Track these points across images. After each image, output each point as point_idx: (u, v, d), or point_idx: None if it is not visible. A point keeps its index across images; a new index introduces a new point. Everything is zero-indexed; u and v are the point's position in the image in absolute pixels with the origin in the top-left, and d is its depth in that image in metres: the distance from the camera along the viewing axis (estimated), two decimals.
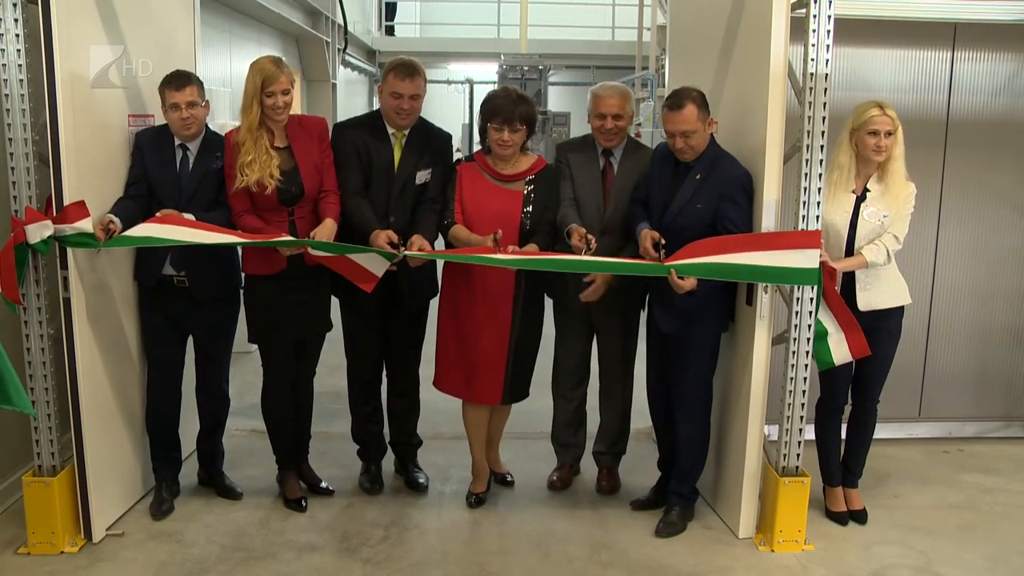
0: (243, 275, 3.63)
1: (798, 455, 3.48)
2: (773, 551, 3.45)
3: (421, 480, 4.01)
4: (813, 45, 3.21)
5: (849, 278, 3.49)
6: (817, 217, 3.31)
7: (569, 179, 3.72)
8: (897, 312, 3.59)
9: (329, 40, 10.81)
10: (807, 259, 3.23)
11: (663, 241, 3.28)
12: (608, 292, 3.62)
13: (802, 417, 3.46)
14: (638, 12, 12.85)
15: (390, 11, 16.53)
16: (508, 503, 3.89)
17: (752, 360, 3.40)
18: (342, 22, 11.42)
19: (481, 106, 3.64)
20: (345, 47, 11.74)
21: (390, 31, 16.52)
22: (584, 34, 15.09)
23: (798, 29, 3.27)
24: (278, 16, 8.68)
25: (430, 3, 17.71)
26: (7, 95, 3.13)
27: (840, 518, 3.72)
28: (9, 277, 3.12)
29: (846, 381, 3.65)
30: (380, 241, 3.42)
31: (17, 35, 3.10)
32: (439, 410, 4.23)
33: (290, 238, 3.37)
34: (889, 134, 3.40)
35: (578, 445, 4.08)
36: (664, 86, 5.36)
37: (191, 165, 3.52)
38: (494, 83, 12.91)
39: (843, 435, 3.78)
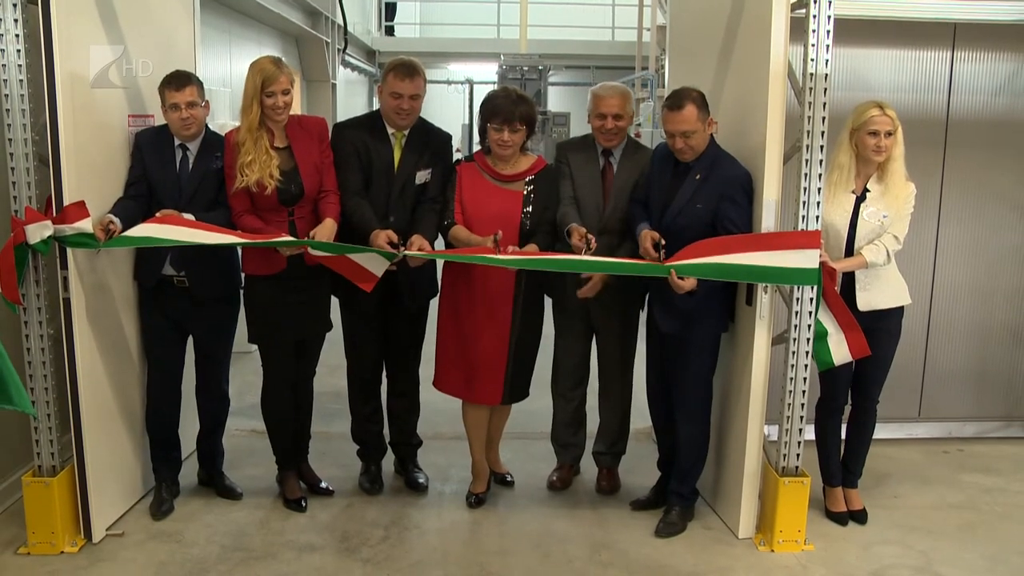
0: (243, 275, 3.63)
1: (798, 455, 3.48)
2: (773, 551, 3.45)
3: (421, 480, 4.01)
4: (813, 45, 3.21)
5: (849, 278, 3.49)
6: (817, 217, 3.31)
7: (569, 178, 3.72)
8: (897, 312, 3.59)
9: (329, 40, 10.81)
10: (807, 259, 3.23)
11: (663, 241, 3.28)
12: (606, 291, 3.62)
13: (802, 417, 3.46)
14: (638, 12, 12.85)
15: (390, 11, 16.53)
16: (508, 503, 3.89)
17: (752, 360, 3.40)
18: (342, 22, 11.42)
19: (481, 106, 3.64)
20: (345, 47, 11.74)
21: (390, 31, 16.52)
22: (584, 34, 15.09)
23: (798, 29, 3.27)
24: (278, 16, 8.68)
25: (430, 3, 17.70)
26: (7, 95, 3.13)
27: (840, 518, 3.72)
28: (9, 277, 3.12)
29: (846, 381, 3.65)
30: (380, 241, 3.42)
31: (17, 35, 3.10)
32: (439, 410, 4.23)
33: (290, 238, 3.37)
34: (889, 134, 3.41)
35: (578, 445, 4.08)
36: (664, 86, 5.36)
37: (191, 165, 3.52)
38: (494, 83, 12.91)
39: (843, 435, 3.78)
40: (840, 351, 3.41)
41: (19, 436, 3.49)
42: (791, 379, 3.41)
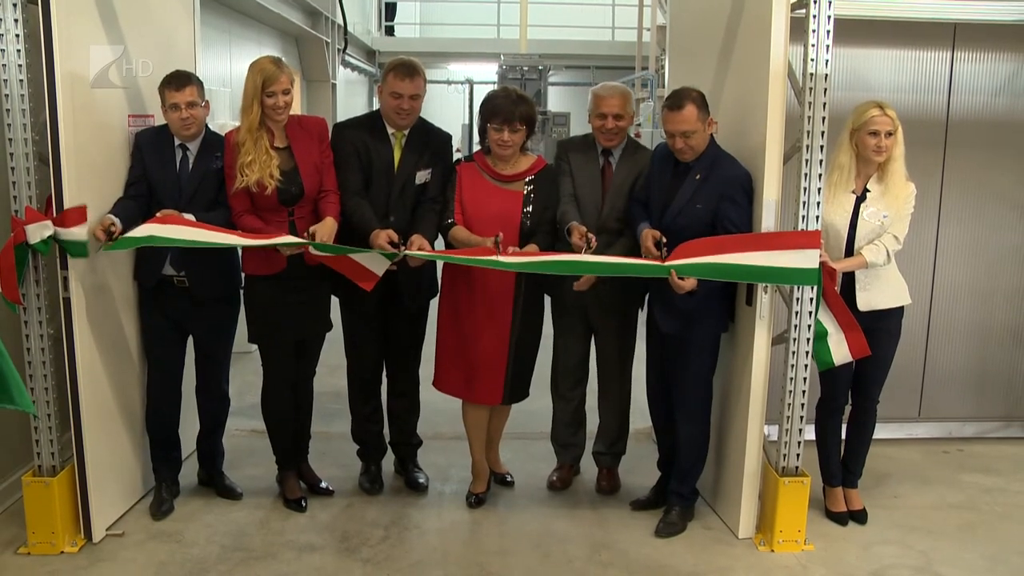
0: (243, 275, 3.63)
1: (798, 455, 3.48)
2: (773, 551, 3.45)
3: (421, 480, 4.01)
4: (813, 45, 3.21)
5: (849, 278, 3.49)
6: (817, 217, 3.31)
7: (569, 175, 3.72)
8: (897, 312, 3.59)
9: (329, 40, 10.82)
10: (807, 259, 3.23)
11: (664, 240, 3.28)
12: (605, 291, 3.62)
13: (802, 417, 3.46)
14: (638, 12, 12.85)
15: (390, 11, 16.53)
16: (508, 503, 3.89)
17: (752, 360, 3.40)
18: (342, 22, 11.43)
19: (481, 106, 3.64)
20: (345, 47, 11.74)
21: (390, 31, 16.52)
22: (584, 34, 15.10)
23: (798, 29, 3.27)
24: (278, 16, 8.69)
25: (430, 3, 17.71)
26: (7, 95, 3.13)
27: (840, 518, 3.72)
28: (9, 277, 3.12)
29: (846, 381, 3.65)
30: (380, 241, 3.42)
31: (17, 35, 3.10)
32: (439, 410, 4.23)
33: (291, 238, 3.37)
34: (889, 134, 3.41)
35: (578, 445, 4.08)
36: (664, 86, 5.37)
37: (191, 165, 3.52)
38: (494, 83, 12.91)
39: (843, 435, 3.78)
40: (840, 351, 3.41)
41: (19, 436, 3.49)
42: (791, 379, 3.41)
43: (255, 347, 3.72)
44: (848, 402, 3.73)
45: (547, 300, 3.83)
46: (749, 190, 3.36)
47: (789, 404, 3.44)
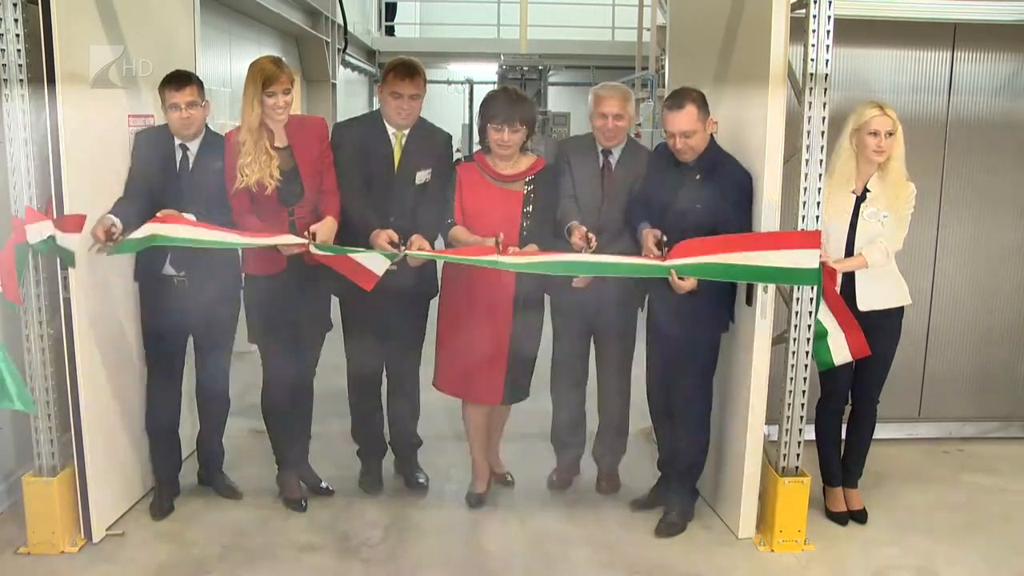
0: (243, 275, 3.63)
1: (798, 455, 3.48)
2: (773, 551, 3.45)
3: (421, 480, 4.01)
4: (813, 45, 3.21)
5: (849, 278, 3.50)
6: (817, 217, 3.31)
7: (569, 175, 3.73)
8: (897, 312, 3.59)
9: (329, 40, 10.81)
10: (807, 259, 3.23)
11: (665, 239, 3.28)
12: (603, 287, 3.63)
13: (802, 417, 3.47)
14: (638, 12, 12.84)
15: (390, 11, 16.53)
16: (508, 503, 3.89)
17: (752, 360, 3.40)
18: (342, 22, 11.42)
19: (481, 106, 3.64)
20: (345, 47, 11.74)
21: (390, 31, 16.52)
22: (584, 34, 15.09)
23: (798, 29, 3.27)
24: (278, 16, 8.69)
25: (430, 3, 17.70)
26: (7, 95, 3.13)
27: (840, 518, 3.72)
28: (9, 277, 3.12)
29: (846, 381, 3.65)
30: (381, 240, 3.42)
31: (17, 35, 3.10)
32: (439, 410, 4.24)
33: (292, 238, 3.36)
34: (889, 134, 3.41)
35: (578, 445, 4.08)
36: (664, 86, 5.36)
37: (191, 165, 3.52)
38: (494, 83, 12.91)
39: (843, 435, 3.78)
40: (840, 351, 3.41)
41: (19, 436, 3.49)
42: (791, 379, 3.42)
43: (255, 347, 3.71)
44: (848, 402, 3.73)
45: (547, 300, 3.84)
46: (749, 190, 3.36)
47: (789, 404, 3.44)
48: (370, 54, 14.65)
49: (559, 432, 4.06)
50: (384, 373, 3.99)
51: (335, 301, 3.79)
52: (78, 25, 3.25)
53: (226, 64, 7.71)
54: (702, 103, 3.35)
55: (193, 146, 3.52)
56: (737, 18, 3.56)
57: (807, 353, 3.39)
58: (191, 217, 3.39)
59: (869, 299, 3.50)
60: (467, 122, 14.17)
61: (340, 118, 5.36)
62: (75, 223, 3.16)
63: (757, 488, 3.53)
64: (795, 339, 3.37)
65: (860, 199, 3.49)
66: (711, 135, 3.41)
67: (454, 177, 3.64)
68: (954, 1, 4.12)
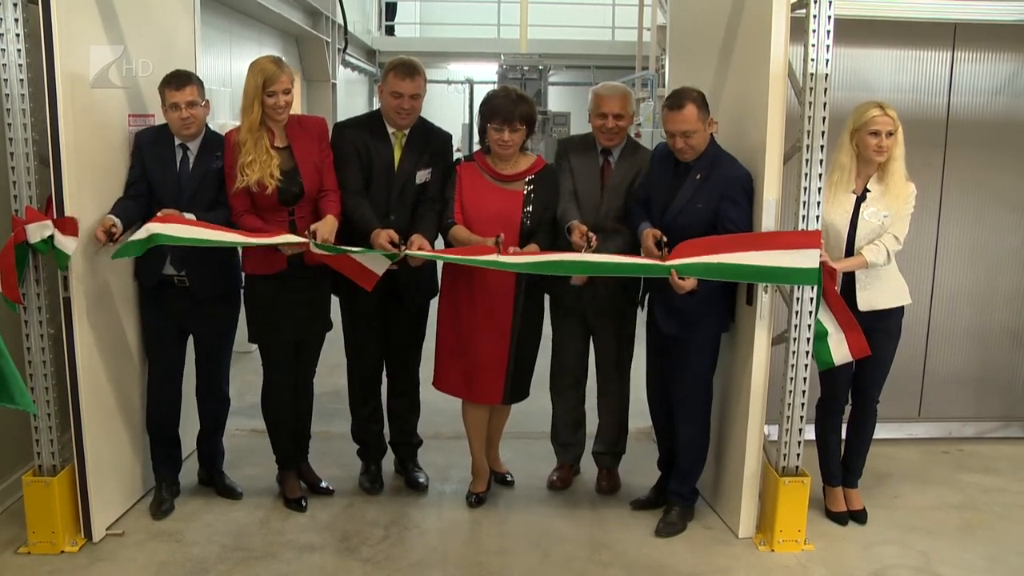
0: (243, 275, 3.63)
1: (798, 455, 3.48)
2: (773, 551, 3.45)
3: (421, 480, 4.01)
4: (813, 45, 3.21)
5: (849, 278, 3.50)
6: (817, 217, 3.31)
7: (569, 173, 3.73)
8: (897, 312, 3.59)
9: (329, 40, 10.82)
10: (807, 259, 3.23)
11: (665, 239, 3.28)
12: (601, 287, 3.65)
13: (802, 417, 3.46)
14: (638, 12, 12.85)
15: (390, 11, 16.54)
16: (508, 503, 3.89)
17: (752, 360, 3.40)
18: (342, 22, 11.43)
19: (481, 106, 3.64)
20: (345, 47, 11.75)
21: (390, 31, 16.53)
22: (584, 34, 15.10)
23: (798, 29, 3.27)
24: (278, 16, 8.69)
25: (430, 3, 17.71)
26: (7, 95, 3.13)
27: (840, 518, 3.72)
28: (9, 276, 3.12)
29: (846, 381, 3.65)
30: (381, 240, 3.42)
31: (17, 35, 3.09)
32: (439, 410, 4.23)
33: (292, 237, 3.36)
34: (890, 134, 3.41)
35: (578, 445, 4.08)
36: (664, 86, 5.37)
37: (191, 165, 3.52)
38: (494, 83, 12.91)
39: (843, 435, 3.78)
40: (840, 351, 3.41)
41: (19, 435, 3.49)
42: (791, 379, 3.41)
43: (255, 347, 3.72)
44: (848, 402, 3.73)
45: (546, 299, 3.84)
46: (749, 190, 3.36)
47: (789, 404, 3.44)
48: (370, 54, 14.65)
49: (559, 432, 4.06)
50: (384, 373, 3.99)
51: (335, 301, 3.79)
52: (78, 25, 3.25)
53: (226, 64, 7.71)
54: (702, 103, 3.35)
55: (193, 146, 3.52)
56: (737, 18, 3.56)
57: (807, 353, 3.39)
58: (191, 217, 3.39)
59: (869, 299, 3.50)
60: (467, 122, 14.17)
61: (340, 118, 5.35)
62: (69, 226, 3.16)
63: (757, 488, 3.53)
64: (795, 339, 3.37)
65: (860, 199, 3.49)
66: (711, 135, 3.41)
67: (454, 177, 3.64)
68: (954, 1, 4.12)
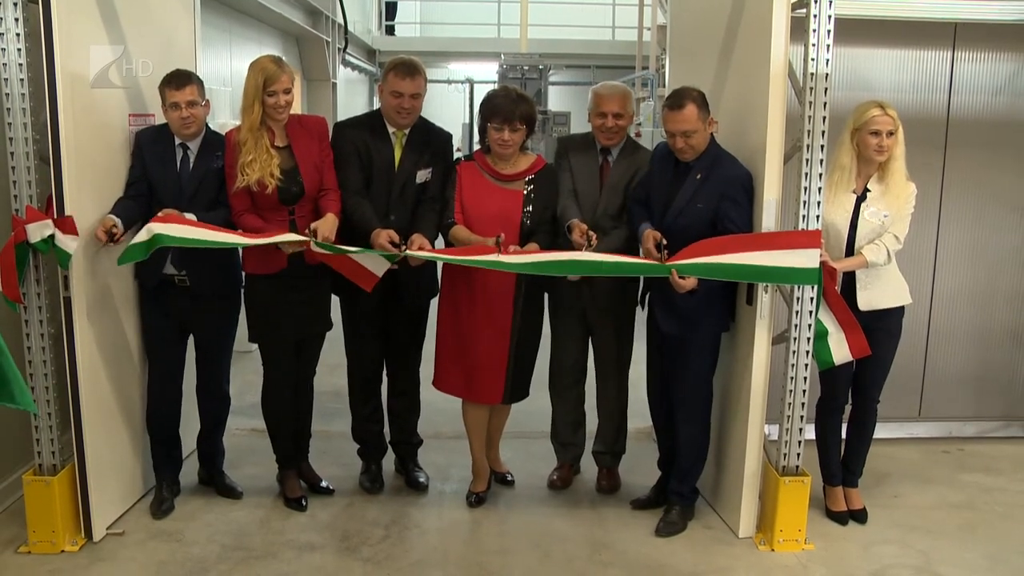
0: (243, 274, 3.63)
1: (798, 455, 3.48)
2: (773, 550, 3.45)
3: (421, 479, 4.01)
4: (813, 45, 3.21)
5: (849, 278, 3.50)
6: (817, 217, 3.31)
7: (568, 171, 3.73)
8: (897, 312, 3.59)
9: (329, 40, 10.82)
10: (807, 259, 3.23)
11: (665, 241, 3.28)
12: (599, 287, 3.66)
13: (802, 417, 3.46)
14: (638, 12, 12.85)
15: (390, 11, 16.53)
16: (508, 502, 3.89)
17: (752, 360, 3.40)
18: (342, 22, 11.43)
19: (481, 105, 3.64)
20: (345, 47, 11.74)
21: (390, 31, 16.53)
22: (584, 34, 15.10)
23: (798, 29, 3.27)
24: (278, 16, 8.69)
25: (430, 3, 17.71)
26: (8, 94, 3.13)
27: (840, 518, 3.72)
28: (10, 276, 3.12)
29: (846, 381, 3.65)
30: (381, 240, 3.42)
31: (18, 34, 3.10)
32: (439, 409, 4.23)
33: (293, 236, 3.36)
34: (890, 134, 3.41)
35: (578, 444, 4.08)
36: (664, 86, 5.37)
37: (191, 164, 3.52)
38: (494, 83, 12.91)
39: (843, 435, 3.78)
40: (840, 350, 3.41)
41: (19, 435, 3.49)
42: (791, 378, 3.41)
43: (255, 346, 3.72)
44: (848, 401, 3.73)
45: (546, 298, 3.84)
46: (750, 189, 3.36)
47: (789, 403, 3.44)
48: (370, 53, 14.66)
49: (559, 431, 4.06)
50: (384, 372, 3.99)
51: (335, 300, 3.79)
52: (78, 25, 3.25)
53: (226, 63, 7.71)
54: (703, 102, 3.35)
55: (193, 145, 3.52)
56: (738, 17, 3.56)
57: (807, 353, 3.39)
58: (192, 217, 3.39)
59: (870, 299, 3.50)
60: (467, 121, 14.17)
61: (340, 117, 5.36)
62: (70, 225, 3.16)
63: (757, 487, 3.53)
64: (795, 339, 3.37)
65: (861, 198, 3.49)
66: (712, 134, 3.40)
67: (454, 176, 3.64)
68: (955, 1, 4.11)
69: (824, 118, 3.26)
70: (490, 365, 3.63)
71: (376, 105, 3.86)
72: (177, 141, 3.51)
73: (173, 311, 3.61)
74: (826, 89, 3.23)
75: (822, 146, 3.27)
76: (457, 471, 4.12)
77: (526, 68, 12.82)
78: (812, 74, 3.22)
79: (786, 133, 3.31)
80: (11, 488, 3.65)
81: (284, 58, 3.59)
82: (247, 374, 4.93)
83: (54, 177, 3.16)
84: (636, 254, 3.52)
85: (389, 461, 4.10)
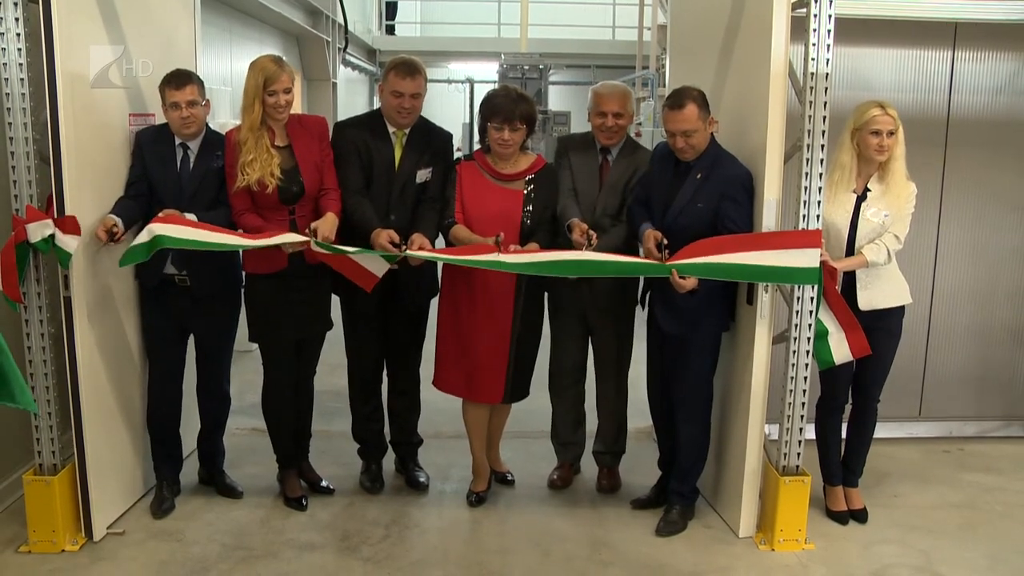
0: (244, 274, 3.63)
1: (798, 454, 3.48)
2: (773, 550, 3.45)
3: (422, 479, 4.01)
4: (814, 44, 3.21)
5: (850, 277, 3.50)
6: (818, 216, 3.31)
7: (568, 170, 3.73)
8: (898, 311, 3.59)
9: (330, 39, 10.82)
10: (808, 258, 3.23)
11: (666, 241, 3.28)
12: (599, 286, 3.66)
13: (802, 416, 3.46)
14: (639, 11, 12.84)
15: (390, 10, 16.53)
16: (508, 502, 3.89)
17: (753, 359, 3.40)
18: (342, 21, 11.43)
19: (481, 105, 3.64)
20: (346, 46, 11.74)
21: (391, 30, 16.52)
22: (584, 33, 15.09)
23: (799, 28, 3.27)
24: (279, 15, 8.69)
25: (431, 2, 17.71)
26: (8, 94, 3.13)
27: (840, 517, 3.72)
28: (10, 275, 3.12)
29: (846, 380, 3.65)
30: (381, 240, 3.42)
31: (18, 34, 3.10)
32: (440, 409, 4.23)
33: (293, 236, 3.36)
34: (891, 134, 3.41)
35: (578, 444, 4.09)
36: (665, 85, 5.37)
37: (192, 164, 3.52)
38: (494, 82, 12.91)
39: (843, 434, 3.78)
40: (841, 350, 3.41)
41: (20, 434, 3.49)
42: (792, 378, 3.42)
43: (256, 346, 3.72)
44: (848, 401, 3.73)
45: (546, 298, 3.84)
46: (750, 189, 3.36)
47: (790, 403, 3.44)
48: (371, 53, 14.65)
49: (559, 431, 4.06)
50: (385, 372, 3.99)
51: (336, 300, 3.79)
52: (78, 25, 3.25)
53: (227, 63, 7.71)
54: (703, 102, 3.34)
55: (194, 145, 3.52)
56: (738, 17, 3.56)
57: (808, 352, 3.39)
58: (192, 217, 3.39)
59: (870, 298, 3.50)
60: (468, 121, 14.16)
61: (341, 117, 5.36)
62: (72, 224, 3.16)
63: (758, 487, 3.53)
64: (796, 338, 3.37)
65: (861, 198, 3.49)
66: (712, 134, 3.40)
67: (454, 176, 3.64)
68: (955, 1, 4.11)
69: (824, 118, 3.26)
70: (490, 365, 3.63)
71: (376, 105, 3.86)
72: (177, 141, 3.51)
73: (173, 311, 3.61)
74: (826, 89, 3.23)
75: (822, 146, 3.27)
76: (457, 471, 4.12)
77: (526, 68, 12.81)
78: (812, 74, 3.22)
79: (786, 133, 3.31)
80: (11, 488, 3.65)
81: (284, 58, 3.59)
82: (247, 374, 4.92)
83: (54, 177, 3.16)
84: (636, 253, 3.52)
85: (389, 461, 4.10)
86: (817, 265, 3.24)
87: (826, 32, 3.20)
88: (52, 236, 3.14)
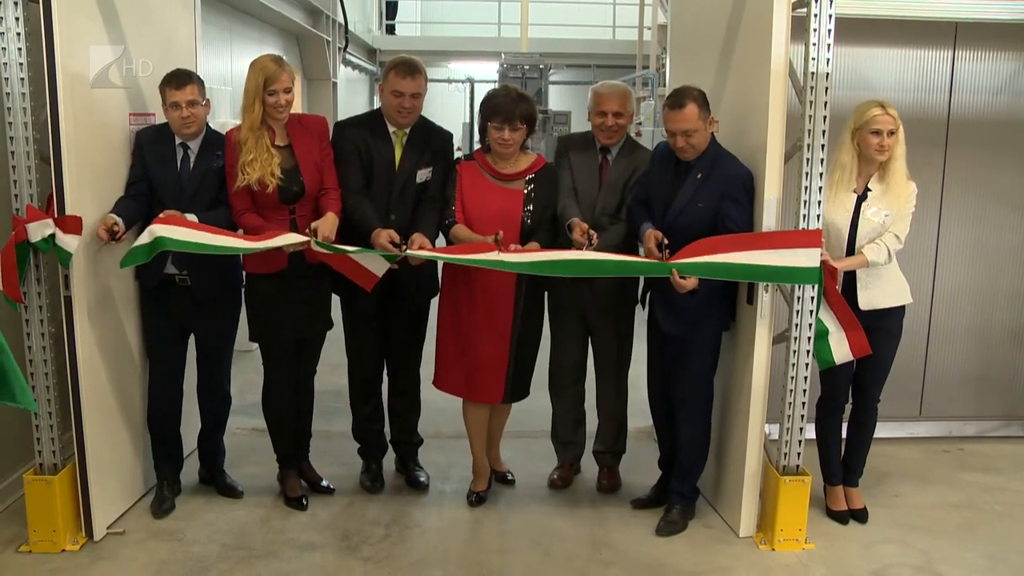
0: (244, 273, 3.63)
1: (799, 454, 3.48)
2: (774, 550, 3.45)
3: (422, 479, 4.01)
4: (814, 44, 3.21)
5: (850, 277, 3.50)
6: (818, 216, 3.31)
7: (568, 169, 3.73)
8: (898, 311, 3.59)
9: (330, 39, 10.82)
10: (808, 258, 3.23)
11: (666, 241, 3.28)
12: (599, 286, 3.66)
13: (803, 416, 3.46)
14: (639, 11, 12.84)
15: (391, 10, 16.52)
16: (509, 502, 3.89)
17: (753, 359, 3.40)
18: (343, 21, 11.42)
19: (481, 105, 3.64)
20: (346, 46, 11.74)
21: (391, 30, 16.52)
22: (585, 33, 15.09)
23: (799, 28, 3.27)
24: (279, 15, 8.69)
25: (431, 2, 17.70)
26: (8, 93, 3.13)
27: (841, 517, 3.72)
28: (11, 275, 3.12)
29: (847, 380, 3.65)
30: (381, 240, 3.42)
31: (18, 34, 3.10)
32: (440, 409, 4.23)
33: (293, 236, 3.36)
34: (891, 133, 3.41)
35: (578, 444, 4.09)
36: (665, 85, 5.36)
37: (192, 164, 3.52)
38: (495, 82, 12.90)
39: (844, 434, 3.78)
40: (841, 350, 3.41)
41: (20, 434, 3.49)
42: (792, 378, 3.41)
43: (256, 346, 3.72)
44: (849, 401, 3.73)
45: (546, 298, 3.84)
46: (750, 189, 3.35)
47: (790, 403, 3.44)
48: (371, 53, 14.65)
49: (559, 430, 4.06)
50: (385, 372, 3.99)
51: (336, 299, 3.79)
52: (78, 25, 3.25)
53: (227, 63, 7.71)
54: (703, 102, 3.34)
55: (194, 145, 3.52)
56: (738, 17, 3.56)
57: (808, 352, 3.39)
58: (193, 217, 3.39)
59: (870, 298, 3.50)
60: (468, 121, 14.16)
61: (341, 117, 5.36)
62: (72, 225, 3.16)
63: (758, 487, 3.53)
64: (796, 338, 3.37)
65: (861, 198, 3.49)
66: (712, 134, 3.40)
67: (455, 176, 3.64)
68: (955, 0, 4.11)
69: (825, 117, 3.26)
70: (490, 365, 3.64)
71: (376, 104, 3.86)
72: (177, 141, 3.51)
73: (174, 311, 3.61)
74: (827, 88, 3.23)
75: (823, 145, 3.27)
76: (457, 470, 4.12)
77: (526, 67, 12.80)
78: (813, 73, 3.22)
79: (787, 132, 3.31)
80: (12, 487, 3.66)
81: (284, 57, 3.59)
82: (247, 373, 4.93)
83: (54, 176, 3.16)
84: (636, 253, 3.52)
85: (389, 460, 4.10)
86: (817, 265, 3.24)
87: (826, 32, 3.20)
88: (52, 236, 3.15)
